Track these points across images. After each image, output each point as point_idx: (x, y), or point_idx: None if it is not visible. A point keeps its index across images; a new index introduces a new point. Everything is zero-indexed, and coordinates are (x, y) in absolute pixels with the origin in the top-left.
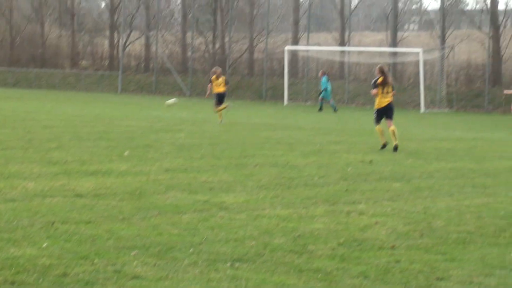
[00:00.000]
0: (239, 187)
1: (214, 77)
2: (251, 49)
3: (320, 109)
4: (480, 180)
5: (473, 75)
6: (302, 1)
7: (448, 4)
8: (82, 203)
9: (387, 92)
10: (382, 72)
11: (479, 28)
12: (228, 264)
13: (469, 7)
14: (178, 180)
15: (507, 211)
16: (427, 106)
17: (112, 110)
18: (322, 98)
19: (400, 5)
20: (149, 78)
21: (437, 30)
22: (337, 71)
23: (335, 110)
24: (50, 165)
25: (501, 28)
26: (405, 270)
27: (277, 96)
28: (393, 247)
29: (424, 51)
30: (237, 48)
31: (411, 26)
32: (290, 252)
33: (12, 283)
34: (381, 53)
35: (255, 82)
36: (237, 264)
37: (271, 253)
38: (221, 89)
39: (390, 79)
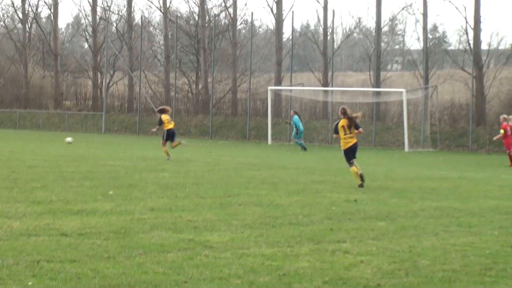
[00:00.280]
0: (224, 226)
1: (164, 115)
2: (234, 89)
3: (304, 148)
4: (465, 219)
5: (457, 114)
6: (284, 42)
7: (431, 44)
8: (67, 242)
9: (350, 133)
10: (344, 113)
11: (462, 68)
12: None
13: (452, 47)
14: (162, 219)
15: (492, 250)
16: (411, 145)
17: (96, 150)
18: (298, 138)
19: (383, 45)
20: (133, 118)
21: (420, 70)
22: (321, 110)
23: (304, 148)
24: (34, 204)
25: (484, 68)
26: None
27: (261, 135)
28: (378, 286)
29: (408, 91)
30: (221, 88)
31: (394, 66)
32: None
33: None
34: (364, 93)
35: (238, 121)
36: None
37: None
38: (171, 125)
39: (351, 120)
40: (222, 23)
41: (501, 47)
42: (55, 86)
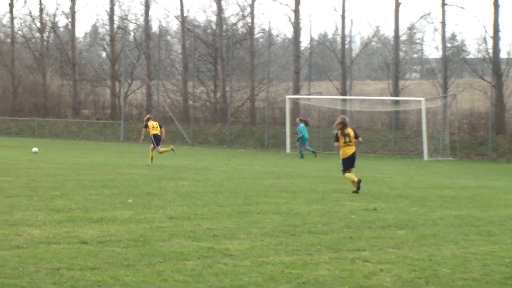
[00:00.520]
0: (243, 234)
1: (150, 122)
2: (252, 98)
3: (302, 156)
4: (485, 228)
5: (476, 123)
6: (302, 50)
7: (450, 53)
8: (87, 249)
9: (349, 141)
10: (342, 123)
11: (481, 77)
12: None
13: (471, 56)
14: (182, 228)
15: None
16: (430, 154)
17: (115, 158)
18: (301, 146)
19: (401, 54)
20: None
21: (439, 79)
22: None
23: (302, 156)
24: (54, 212)
25: (504, 76)
26: None
27: (279, 144)
28: None
29: (426, 100)
30: (239, 97)
31: (413, 75)
32: None
33: None
34: (383, 102)
35: (257, 130)
36: None
37: None
38: (156, 131)
39: (349, 129)
40: (240, 32)
41: None
42: (73, 95)
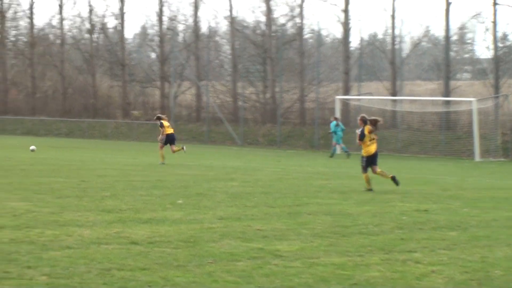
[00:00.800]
0: (293, 235)
1: (164, 121)
2: (302, 98)
3: (332, 155)
4: None
5: None
6: (352, 51)
7: (501, 53)
8: (137, 250)
9: (372, 139)
10: (364, 122)
11: None
12: None
13: None
14: (232, 228)
15: None
16: (482, 155)
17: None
18: (336, 143)
19: (452, 54)
20: (201, 127)
21: (491, 79)
22: (389, 120)
23: (332, 155)
24: (104, 213)
25: None
26: None
27: (329, 145)
28: None
29: (478, 100)
30: (288, 98)
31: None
32: None
33: None
34: (433, 102)
35: (307, 131)
36: None
37: None
38: (171, 130)
39: (372, 127)
40: (289, 32)
41: None
42: (123, 96)
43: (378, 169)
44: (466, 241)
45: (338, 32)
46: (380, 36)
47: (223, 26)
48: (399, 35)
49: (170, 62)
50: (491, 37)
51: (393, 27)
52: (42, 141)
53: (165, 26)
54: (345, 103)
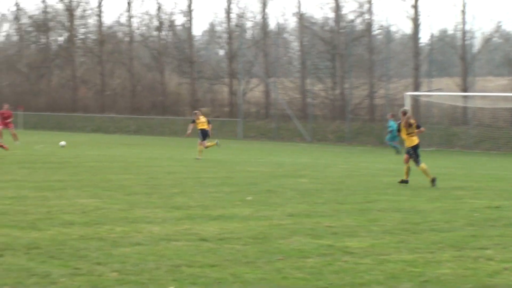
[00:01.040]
0: (363, 232)
1: (197, 117)
2: (371, 94)
3: (398, 151)
4: None
5: None
6: (422, 47)
7: None
8: (207, 247)
9: (412, 133)
10: (404, 115)
11: None
12: None
13: None
14: (301, 225)
15: None
16: None
17: (233, 156)
18: (393, 141)
19: None
20: (269, 124)
21: None
22: (460, 116)
23: (398, 152)
24: (174, 210)
25: None
26: None
27: (399, 141)
28: None
29: None
30: (357, 94)
31: None
32: None
33: None
34: (505, 98)
35: (376, 127)
36: None
37: None
38: (204, 126)
39: (411, 120)
40: (358, 28)
41: None
42: (191, 93)
43: (409, 164)
44: None
45: (407, 28)
46: (450, 31)
47: (292, 22)
48: (470, 30)
49: (238, 59)
50: None
51: (464, 23)
52: (111, 138)
53: (233, 23)
54: (415, 99)
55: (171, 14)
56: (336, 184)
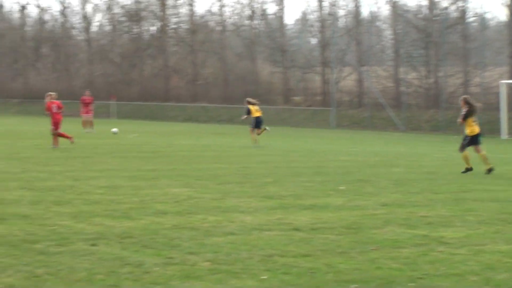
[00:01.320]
0: (459, 222)
1: (251, 105)
2: (466, 83)
3: None
4: None
5: None
6: None
7: None
8: (300, 236)
9: (475, 121)
10: (467, 103)
11: None
12: None
13: None
14: (395, 215)
15: None
16: None
17: (325, 145)
18: None
19: None
20: (362, 113)
21: None
22: None
23: None
24: (266, 199)
25: None
26: None
27: (494, 130)
28: None
29: None
30: (452, 82)
31: None
32: None
33: None
34: None
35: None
36: None
37: None
38: (258, 113)
39: (476, 108)
40: (452, 16)
41: None
42: (284, 82)
43: (483, 151)
44: None
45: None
46: None
47: (385, 10)
48: None
49: (330, 47)
50: None
51: None
52: (203, 127)
53: (325, 11)
54: (510, 87)
55: (263, 3)
56: (430, 173)
